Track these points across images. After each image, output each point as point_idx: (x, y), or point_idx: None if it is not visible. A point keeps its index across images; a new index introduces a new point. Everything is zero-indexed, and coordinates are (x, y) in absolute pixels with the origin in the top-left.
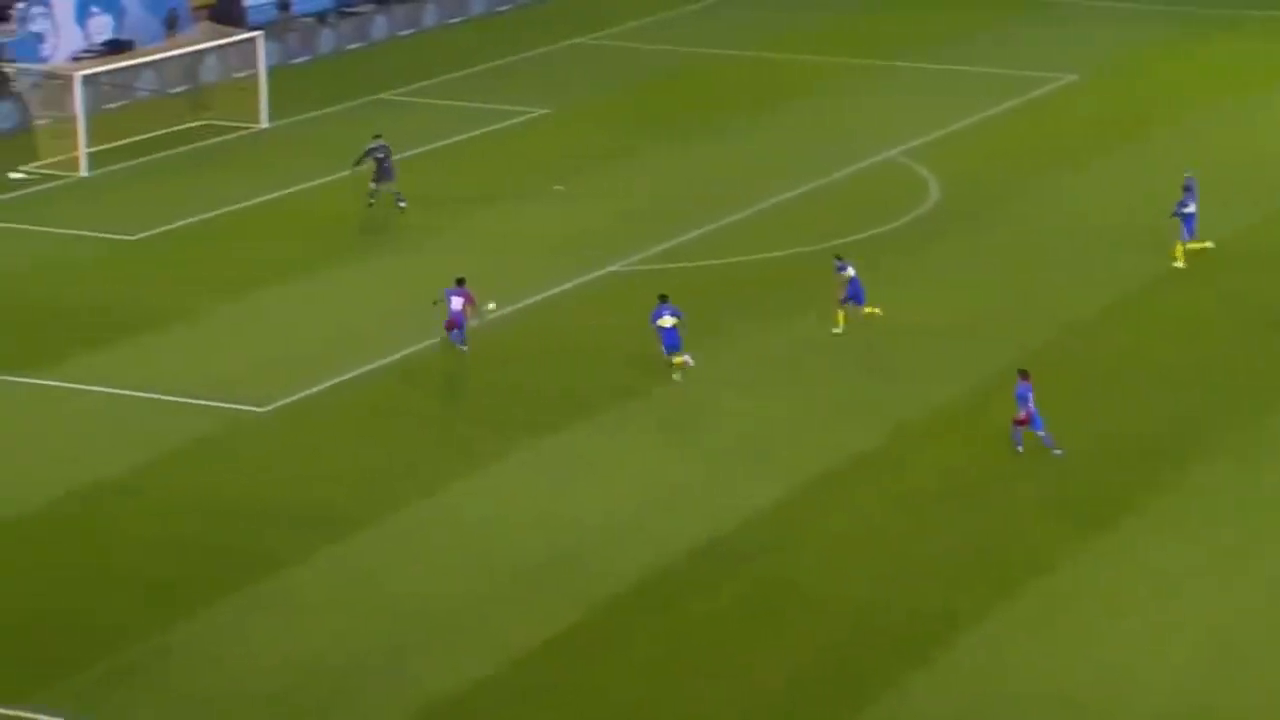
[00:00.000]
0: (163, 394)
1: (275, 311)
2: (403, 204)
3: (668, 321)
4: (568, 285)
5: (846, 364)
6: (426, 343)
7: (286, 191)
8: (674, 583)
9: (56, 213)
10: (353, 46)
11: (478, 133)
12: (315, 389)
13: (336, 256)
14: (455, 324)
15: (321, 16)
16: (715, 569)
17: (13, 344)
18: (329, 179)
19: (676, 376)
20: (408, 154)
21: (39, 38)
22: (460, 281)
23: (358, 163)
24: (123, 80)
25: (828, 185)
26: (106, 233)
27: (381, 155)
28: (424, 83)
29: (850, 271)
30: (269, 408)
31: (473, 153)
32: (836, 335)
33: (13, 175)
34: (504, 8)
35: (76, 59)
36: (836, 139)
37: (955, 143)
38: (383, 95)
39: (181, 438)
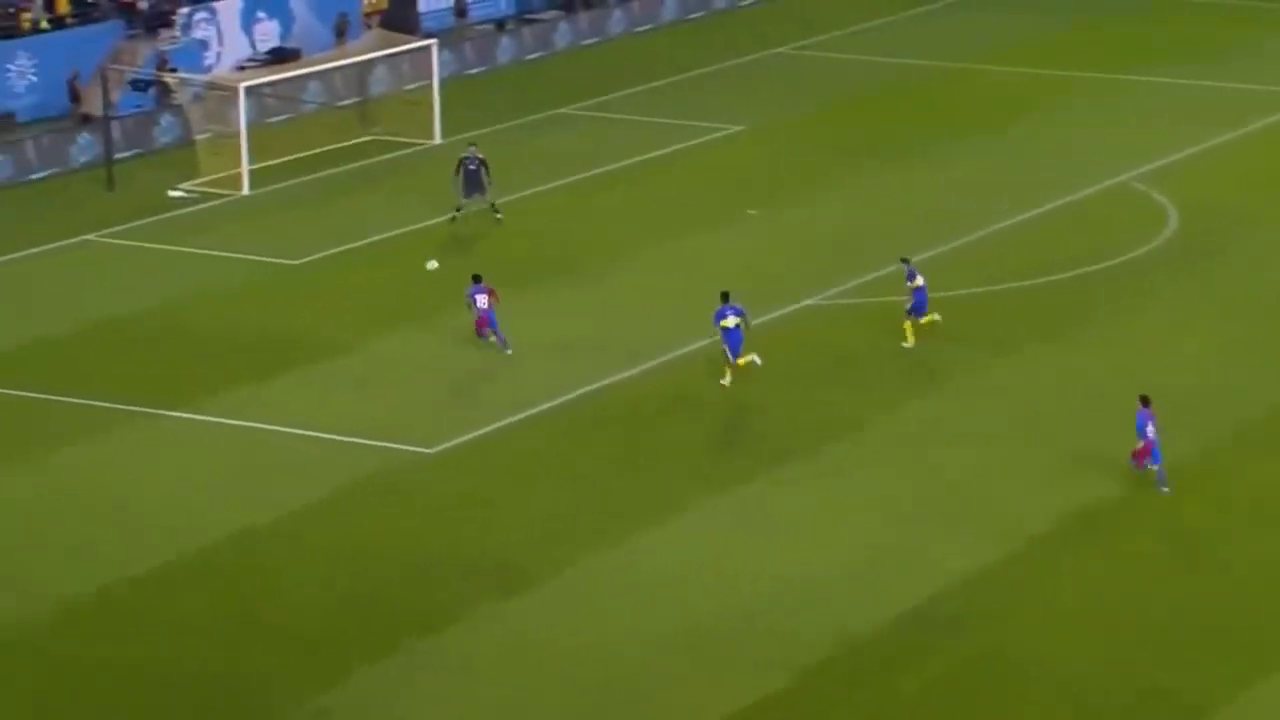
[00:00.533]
0: (322, 431)
1: (442, 344)
2: (499, 216)
3: (730, 322)
4: (758, 320)
5: (1070, 412)
6: (606, 380)
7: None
8: (875, 653)
9: (215, 234)
10: (533, 56)
11: (666, 151)
12: (486, 429)
13: (507, 285)
14: (487, 323)
15: (500, 24)
16: (920, 639)
17: (164, 375)
18: (502, 199)
19: (726, 381)
20: (590, 173)
21: (202, 45)
22: (477, 278)
23: (458, 173)
24: (288, 92)
25: (1051, 213)
26: (267, 256)
27: (474, 167)
28: (608, 96)
29: (919, 280)
30: (436, 449)
31: (660, 173)
32: (907, 349)
33: (171, 193)
34: (697, 14)
35: (240, 68)
36: (1061, 161)
37: (1198, 167)
38: (564, 109)
39: (342, 480)
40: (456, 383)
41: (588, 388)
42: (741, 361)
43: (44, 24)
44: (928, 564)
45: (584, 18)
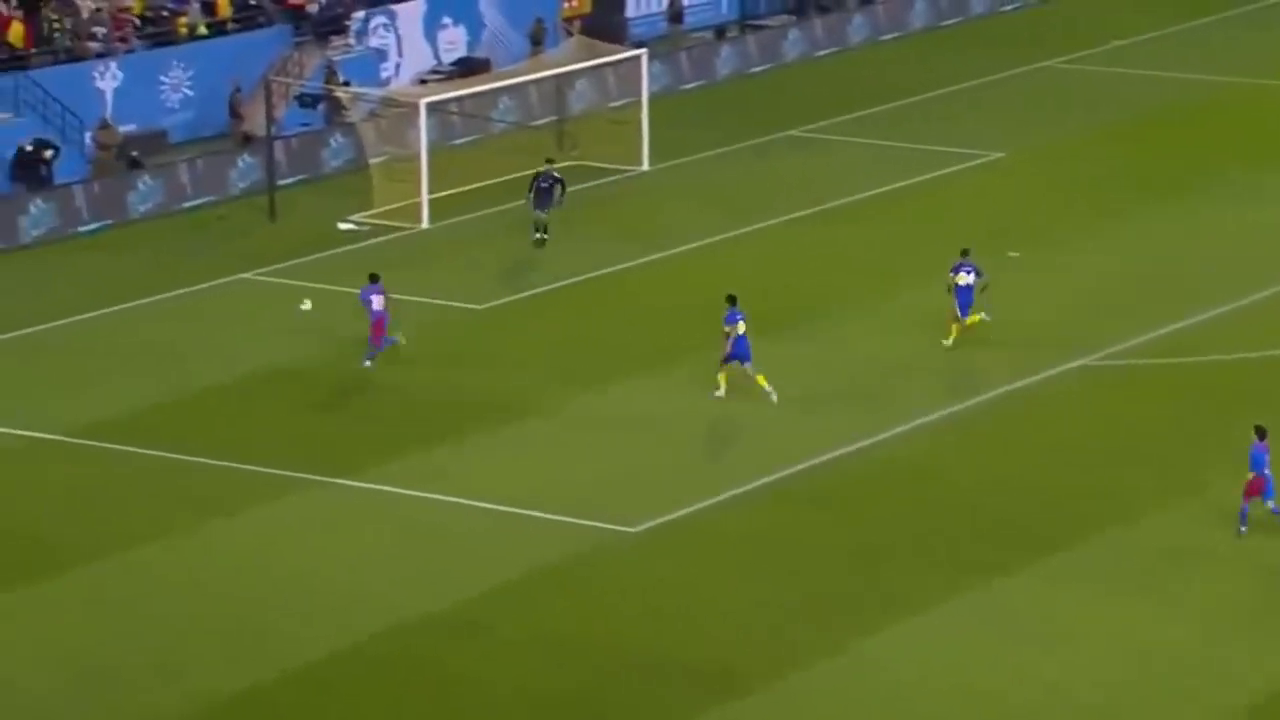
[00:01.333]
0: (510, 505)
1: (645, 403)
2: (544, 237)
3: (742, 328)
4: (1020, 383)
5: None
6: (835, 451)
7: (669, 253)
8: None
9: (390, 273)
10: (758, 69)
11: (911, 181)
12: (696, 505)
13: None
14: (383, 329)
15: (720, 31)
16: None
17: (330, 436)
18: (720, 235)
19: (719, 393)
20: (823, 205)
21: (379, 55)
22: (374, 278)
23: (531, 190)
24: (475, 109)
25: None
26: (449, 300)
27: (546, 184)
28: (845, 116)
29: (969, 278)
30: (639, 527)
31: (904, 206)
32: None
33: (341, 225)
34: (951, 21)
35: (422, 82)
36: None
37: None
38: (793, 131)
39: (532, 561)
40: (662, 449)
41: (813, 459)
42: (757, 376)
43: (202, 29)
44: (1228, 676)
45: (818, 24)
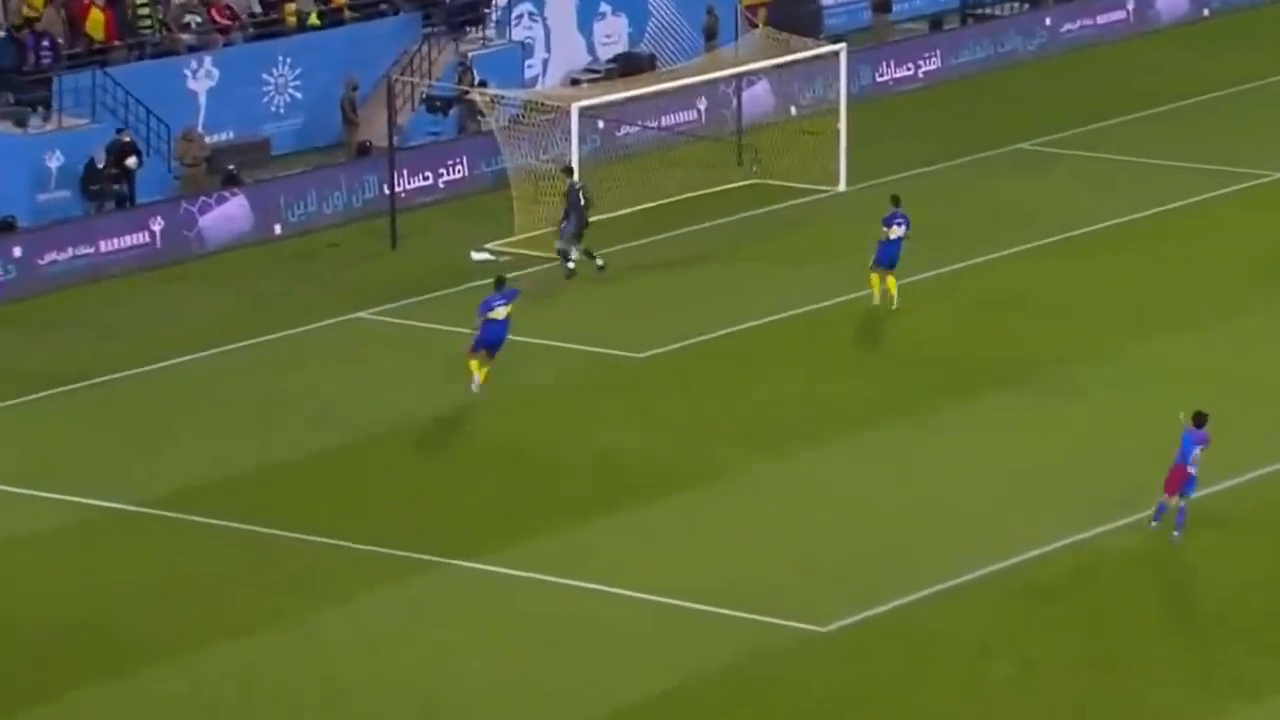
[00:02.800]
0: (667, 596)
1: (843, 478)
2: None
3: (896, 233)
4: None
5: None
6: (1062, 539)
7: (869, 293)
8: None
9: (534, 313)
10: (980, 67)
11: (1173, 206)
12: (900, 600)
13: (943, 390)
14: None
15: (937, 21)
16: None
17: (456, 509)
18: (936, 270)
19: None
20: (1062, 235)
21: (524, 50)
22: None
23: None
24: (637, 115)
25: None
26: (602, 346)
27: (577, 199)
28: (1090, 125)
29: (901, 230)
30: (832, 626)
31: (1164, 236)
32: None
33: (475, 255)
34: (1230, 6)
35: (575, 82)
36: None
37: None
38: (1024, 144)
39: (700, 665)
40: (859, 533)
41: (1037, 549)
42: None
43: (314, 19)
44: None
45: (1057, 14)
